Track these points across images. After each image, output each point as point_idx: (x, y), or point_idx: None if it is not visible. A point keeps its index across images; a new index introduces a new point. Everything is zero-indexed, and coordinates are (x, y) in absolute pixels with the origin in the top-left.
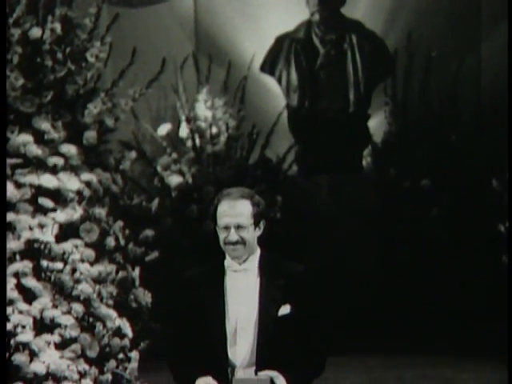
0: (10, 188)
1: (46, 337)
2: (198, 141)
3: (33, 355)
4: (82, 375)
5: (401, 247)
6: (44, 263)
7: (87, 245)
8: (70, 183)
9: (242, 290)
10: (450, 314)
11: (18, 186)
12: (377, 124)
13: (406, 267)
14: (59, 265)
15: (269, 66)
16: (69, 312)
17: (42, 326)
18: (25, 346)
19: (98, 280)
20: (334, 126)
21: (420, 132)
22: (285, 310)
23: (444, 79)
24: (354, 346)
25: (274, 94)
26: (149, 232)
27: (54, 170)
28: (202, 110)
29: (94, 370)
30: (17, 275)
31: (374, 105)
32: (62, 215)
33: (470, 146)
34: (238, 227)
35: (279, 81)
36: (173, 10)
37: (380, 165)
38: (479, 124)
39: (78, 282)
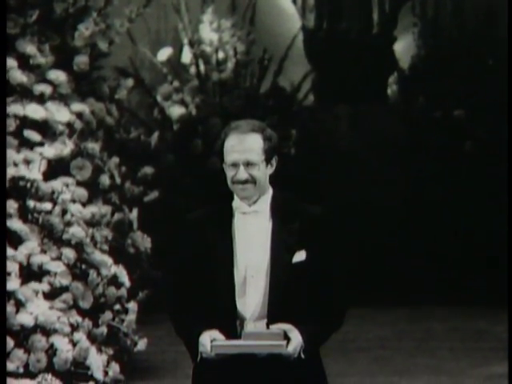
0: None
1: (34, 285)
2: (202, 67)
3: (19, 305)
4: (74, 328)
5: (430, 186)
6: (31, 203)
7: (79, 183)
8: (59, 114)
9: (252, 234)
10: (486, 261)
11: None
12: (404, 47)
13: (435, 208)
14: (48, 205)
15: None
16: (59, 258)
17: (29, 273)
18: (10, 295)
19: (92, 223)
20: (355, 49)
21: (453, 56)
22: (300, 256)
23: None
24: (378, 296)
25: (288, 14)
26: (148, 169)
27: (40, 99)
28: (207, 33)
29: (87, 323)
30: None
31: (401, 25)
32: (51, 150)
33: (510, 70)
34: (248, 164)
35: None
36: None
37: (407, 93)
38: None
39: (68, 224)
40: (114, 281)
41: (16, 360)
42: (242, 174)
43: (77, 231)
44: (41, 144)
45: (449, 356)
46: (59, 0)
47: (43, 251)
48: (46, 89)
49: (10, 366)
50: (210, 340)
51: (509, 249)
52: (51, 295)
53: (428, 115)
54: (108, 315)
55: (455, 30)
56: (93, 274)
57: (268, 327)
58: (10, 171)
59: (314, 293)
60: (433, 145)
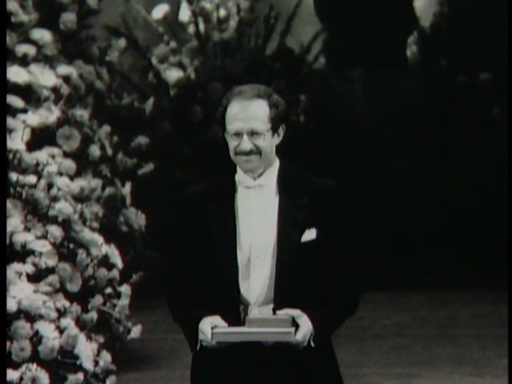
0: None
1: (17, 266)
2: (202, 26)
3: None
4: (61, 313)
5: (453, 157)
6: (13, 176)
7: (66, 154)
8: (44, 78)
9: (257, 210)
10: None
11: None
12: (425, 4)
13: (458, 182)
14: (32, 178)
15: None
16: (44, 236)
17: (12, 253)
18: None
19: (80, 198)
20: (370, 6)
21: (478, 13)
22: (309, 235)
23: None
24: (395, 278)
25: None
26: (142, 139)
27: (23, 62)
28: None
29: (75, 308)
30: None
31: None
32: (35, 118)
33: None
34: (252, 133)
35: None
36: None
37: (428, 55)
38: None
39: (55, 199)
40: (104, 262)
41: None
42: (246, 144)
43: (64, 207)
44: (24, 111)
45: (474, 344)
46: None
47: (27, 229)
48: (29, 50)
49: None
50: (211, 327)
51: None
52: (36, 277)
53: (451, 79)
54: (98, 299)
55: None
56: (82, 254)
57: (274, 313)
58: None
59: (325, 275)
60: (456, 112)
